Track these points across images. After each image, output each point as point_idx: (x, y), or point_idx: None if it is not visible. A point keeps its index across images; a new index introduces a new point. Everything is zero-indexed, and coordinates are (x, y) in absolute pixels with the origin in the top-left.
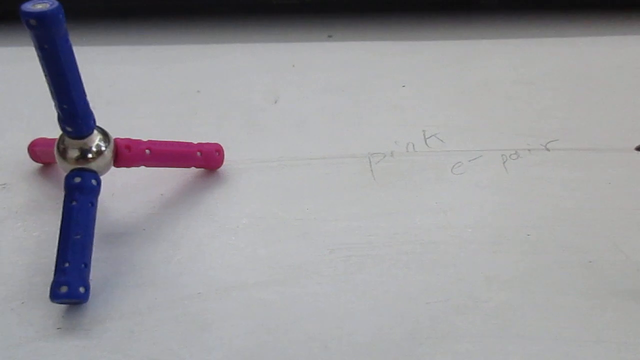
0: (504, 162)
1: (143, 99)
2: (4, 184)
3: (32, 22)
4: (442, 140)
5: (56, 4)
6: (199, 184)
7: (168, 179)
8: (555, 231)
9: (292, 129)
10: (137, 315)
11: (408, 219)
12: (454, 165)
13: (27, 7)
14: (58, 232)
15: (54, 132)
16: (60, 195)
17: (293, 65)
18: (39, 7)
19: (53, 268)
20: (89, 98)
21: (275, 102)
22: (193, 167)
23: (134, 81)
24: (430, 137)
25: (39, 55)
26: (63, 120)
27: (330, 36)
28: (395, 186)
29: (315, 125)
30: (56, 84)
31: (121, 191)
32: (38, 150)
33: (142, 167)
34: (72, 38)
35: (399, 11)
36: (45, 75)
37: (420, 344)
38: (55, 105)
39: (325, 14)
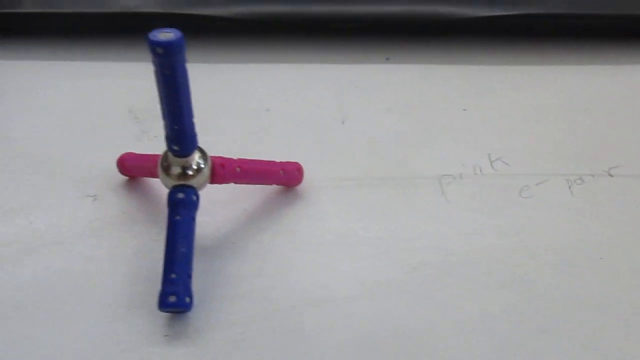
0: (569, 187)
1: (215, 116)
2: (95, 196)
3: (159, 50)
4: (507, 164)
5: (179, 34)
6: (280, 200)
7: (250, 195)
8: (628, 255)
9: (362, 149)
10: (238, 326)
11: (483, 240)
12: (521, 189)
13: (155, 35)
14: (152, 242)
15: (135, 147)
16: (148, 207)
17: (356, 86)
18: (164, 36)
19: (152, 277)
20: (159, 114)
21: (343, 123)
22: (275, 185)
23: (205, 97)
24: (496, 160)
25: (158, 80)
26: (172, 140)
27: (387, 59)
28: (467, 208)
29: (384, 146)
30: (171, 106)
31: (208, 206)
32: (128, 164)
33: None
34: (142, 54)
35: (453, 36)
36: (161, 98)
37: None
38: (165, 126)
39: (381, 37)
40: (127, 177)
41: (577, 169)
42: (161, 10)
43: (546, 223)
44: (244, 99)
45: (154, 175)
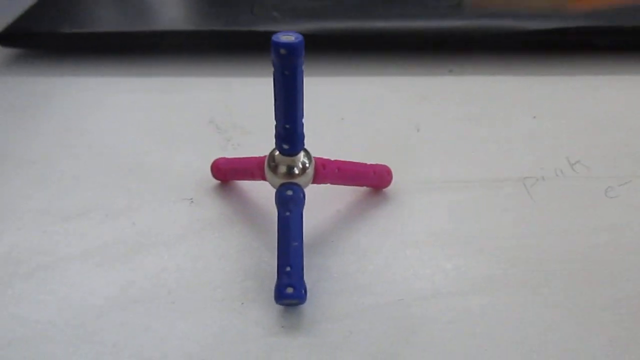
0: None
1: None
2: (191, 199)
3: (282, 51)
4: (587, 167)
5: (300, 37)
6: (369, 202)
7: (340, 196)
8: None
9: (441, 155)
10: (350, 318)
11: (576, 238)
12: (606, 189)
13: (278, 38)
14: (253, 241)
15: (221, 154)
16: (244, 208)
17: (423, 97)
18: (286, 38)
19: (260, 273)
20: (246, 120)
21: (418, 130)
22: (364, 187)
23: None
24: (575, 163)
25: (277, 80)
26: (283, 139)
27: (451, 71)
28: (555, 208)
29: (461, 151)
30: (286, 105)
31: (305, 206)
32: (224, 167)
33: (314, 185)
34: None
35: (513, 48)
36: (277, 98)
37: (623, 352)
38: (276, 125)
39: (443, 50)
40: (219, 182)
41: None
42: (236, 29)
43: (637, 220)
44: (318, 110)
45: (254, 177)
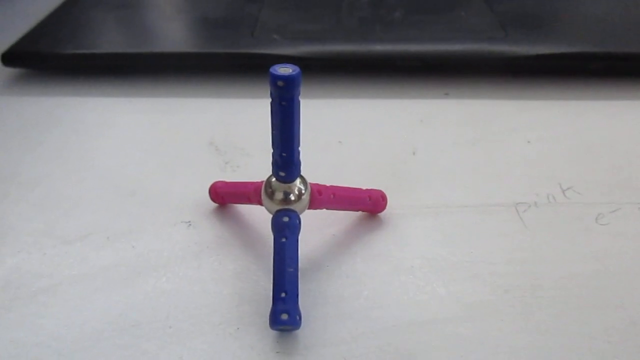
0: None
1: None
2: (189, 222)
3: (280, 83)
4: (579, 193)
5: (297, 69)
6: (364, 226)
7: (335, 221)
8: None
9: (436, 179)
10: (345, 344)
11: (567, 264)
12: (597, 216)
13: (275, 70)
14: (250, 265)
15: (220, 176)
16: (242, 232)
17: (420, 120)
18: (284, 71)
19: (256, 298)
20: (244, 143)
21: (414, 154)
22: (359, 211)
23: None
24: (567, 189)
25: (275, 110)
26: (280, 167)
27: (446, 94)
28: (547, 234)
29: (456, 176)
30: (283, 134)
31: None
32: (222, 191)
33: (309, 210)
34: (215, 91)
35: (508, 72)
36: (274, 127)
37: None
38: (274, 153)
39: (439, 74)
40: (217, 205)
41: None
42: (237, 51)
43: (627, 248)
44: (316, 133)
45: (251, 202)
